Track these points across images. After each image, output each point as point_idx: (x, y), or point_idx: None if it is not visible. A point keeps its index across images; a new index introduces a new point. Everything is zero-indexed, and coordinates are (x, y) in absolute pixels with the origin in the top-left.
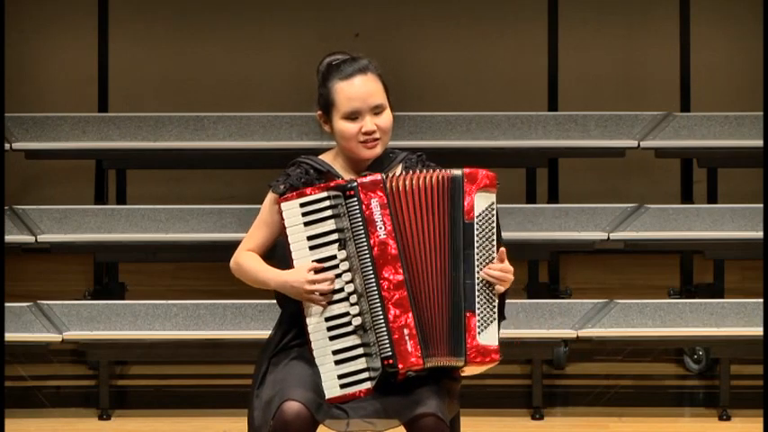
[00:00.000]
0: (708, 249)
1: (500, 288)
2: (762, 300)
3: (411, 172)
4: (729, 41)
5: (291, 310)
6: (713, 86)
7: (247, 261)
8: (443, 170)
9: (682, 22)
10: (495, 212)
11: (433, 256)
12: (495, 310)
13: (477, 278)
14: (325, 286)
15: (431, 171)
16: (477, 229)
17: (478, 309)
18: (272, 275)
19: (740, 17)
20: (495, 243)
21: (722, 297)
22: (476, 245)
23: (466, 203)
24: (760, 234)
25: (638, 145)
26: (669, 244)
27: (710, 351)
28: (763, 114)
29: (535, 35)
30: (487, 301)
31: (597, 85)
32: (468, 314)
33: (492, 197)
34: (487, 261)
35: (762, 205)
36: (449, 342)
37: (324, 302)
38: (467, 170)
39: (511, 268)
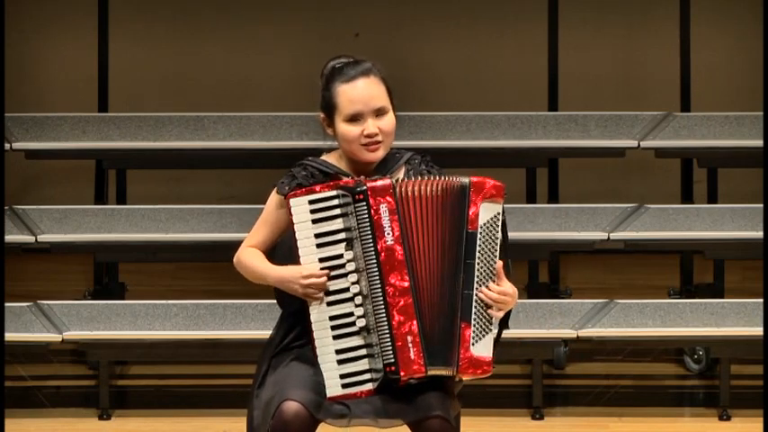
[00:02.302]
0: (708, 249)
1: (497, 313)
2: (762, 300)
3: (421, 177)
4: (729, 41)
5: (292, 310)
6: (713, 86)
7: (248, 256)
8: (452, 177)
9: (682, 22)
10: (500, 223)
11: (438, 264)
12: (492, 322)
13: (476, 289)
14: (319, 282)
15: (440, 178)
16: (480, 240)
17: (474, 320)
18: (271, 271)
19: (740, 17)
20: (497, 254)
21: (722, 297)
22: (477, 255)
23: (470, 213)
24: (760, 234)
25: (638, 145)
26: (669, 244)
27: (711, 351)
28: (763, 114)
29: (535, 35)
30: (484, 312)
31: (597, 85)
32: (463, 325)
33: (498, 208)
34: (488, 272)
35: (762, 205)
36: (442, 351)
37: (320, 298)
38: (474, 179)
39: (510, 291)
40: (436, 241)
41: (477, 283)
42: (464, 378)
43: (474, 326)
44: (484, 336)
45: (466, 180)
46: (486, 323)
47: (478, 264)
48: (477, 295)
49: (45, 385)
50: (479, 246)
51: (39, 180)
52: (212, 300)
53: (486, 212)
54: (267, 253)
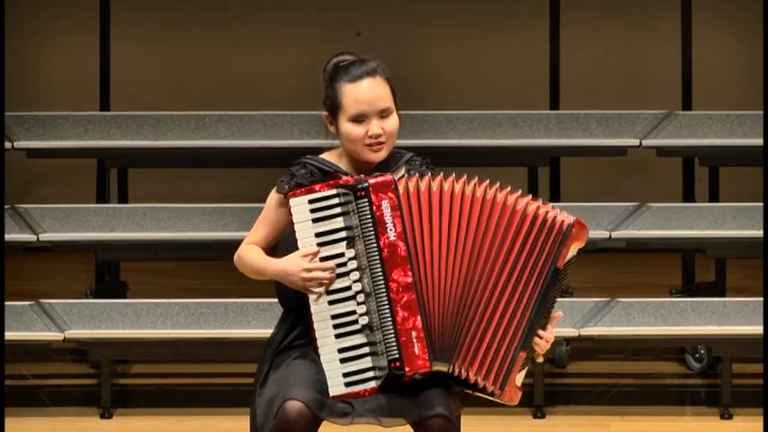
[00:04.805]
0: (709, 248)
1: (540, 359)
2: (763, 298)
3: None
4: (731, 40)
5: (294, 308)
6: (715, 85)
7: (247, 252)
8: (557, 210)
9: (683, 21)
10: (571, 267)
11: (450, 260)
12: (533, 358)
13: (540, 324)
14: (321, 274)
15: (546, 204)
16: (559, 278)
17: (528, 351)
18: (269, 263)
19: (742, 16)
20: (558, 295)
21: (724, 296)
22: (553, 292)
23: (564, 251)
24: (761, 233)
25: (640, 144)
26: (671, 243)
27: (712, 350)
28: (763, 113)
29: (537, 34)
30: (531, 347)
31: (599, 84)
32: (521, 353)
33: (575, 251)
34: (551, 310)
35: (763, 204)
36: (497, 371)
37: (321, 291)
38: (576, 219)
39: (553, 337)
40: (449, 239)
41: (544, 318)
42: (500, 400)
43: (526, 356)
44: (524, 368)
45: (572, 219)
46: (530, 357)
47: (550, 301)
48: (539, 333)
49: (46, 384)
50: (557, 284)
51: (40, 179)
52: (214, 298)
53: (570, 254)
54: (267, 251)
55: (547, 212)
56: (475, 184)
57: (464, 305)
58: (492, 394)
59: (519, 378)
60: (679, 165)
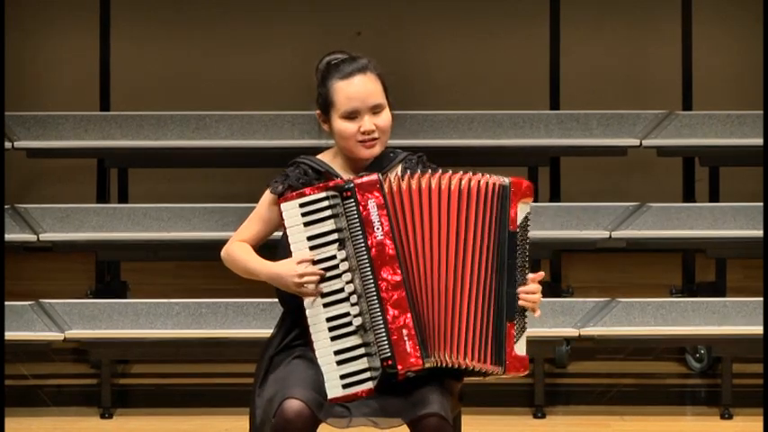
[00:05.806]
0: (709, 248)
1: (537, 313)
2: (763, 298)
3: (446, 172)
4: (731, 40)
5: (293, 309)
6: (715, 85)
7: (238, 251)
8: (489, 176)
9: (684, 21)
10: (529, 223)
11: (439, 256)
12: (527, 321)
13: (517, 289)
14: (314, 279)
15: (477, 175)
16: (518, 240)
17: (516, 319)
18: (262, 266)
19: (742, 16)
20: (527, 254)
21: (724, 296)
22: (517, 255)
23: (512, 212)
24: (761, 233)
25: (640, 144)
26: (671, 243)
27: (712, 350)
28: (763, 113)
29: (537, 33)
30: (522, 312)
31: (599, 84)
32: (508, 324)
33: (528, 208)
34: (525, 271)
35: (763, 204)
36: (491, 350)
37: (314, 294)
38: (513, 179)
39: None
40: (437, 234)
41: (518, 282)
42: (507, 376)
43: (516, 325)
44: (521, 335)
45: (507, 180)
46: (523, 322)
47: (519, 263)
48: (520, 295)
49: (47, 384)
50: (518, 245)
51: (40, 179)
52: (214, 298)
53: (521, 213)
54: (257, 249)
55: (471, 182)
56: (449, 177)
57: (451, 297)
58: (493, 374)
59: (521, 347)
60: (679, 165)
